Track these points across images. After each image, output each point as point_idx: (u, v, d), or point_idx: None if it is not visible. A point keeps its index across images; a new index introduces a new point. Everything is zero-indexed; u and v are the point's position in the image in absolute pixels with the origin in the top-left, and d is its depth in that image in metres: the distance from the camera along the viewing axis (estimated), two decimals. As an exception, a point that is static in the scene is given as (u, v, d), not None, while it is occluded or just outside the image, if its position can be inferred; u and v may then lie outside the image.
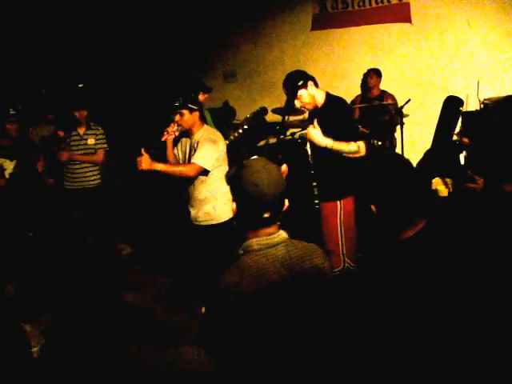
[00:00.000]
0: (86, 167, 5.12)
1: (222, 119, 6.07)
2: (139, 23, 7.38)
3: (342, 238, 3.62)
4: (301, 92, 3.55)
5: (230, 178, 1.82)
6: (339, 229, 3.61)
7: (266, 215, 1.72)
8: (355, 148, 3.47)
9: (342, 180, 3.57)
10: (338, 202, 3.60)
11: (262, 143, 7.00)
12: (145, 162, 3.47)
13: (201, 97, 4.85)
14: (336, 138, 3.46)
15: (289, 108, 3.74)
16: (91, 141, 5.09)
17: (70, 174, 5.12)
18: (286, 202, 1.78)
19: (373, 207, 1.82)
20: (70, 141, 5.00)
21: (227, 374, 1.64)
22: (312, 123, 3.60)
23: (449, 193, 5.35)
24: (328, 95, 3.64)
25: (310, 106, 3.66)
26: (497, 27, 5.99)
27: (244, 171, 1.73)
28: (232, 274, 1.68)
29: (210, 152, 3.69)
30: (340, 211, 3.59)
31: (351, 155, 3.48)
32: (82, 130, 5.07)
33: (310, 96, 3.58)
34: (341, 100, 3.65)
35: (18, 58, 6.51)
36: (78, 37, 6.95)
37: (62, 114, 5.30)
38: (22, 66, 6.51)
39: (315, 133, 3.50)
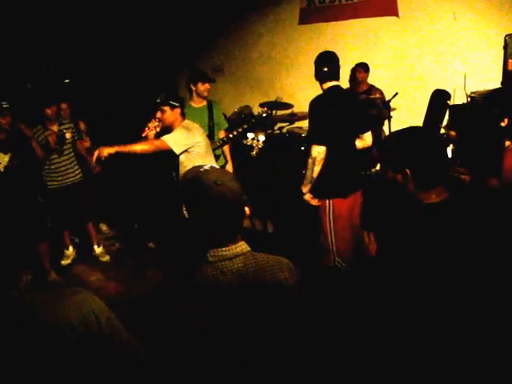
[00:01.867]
0: (69, 163, 5.06)
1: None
2: (126, 16, 7.31)
3: (331, 236, 3.62)
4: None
5: (181, 189, 1.73)
6: (329, 227, 3.62)
7: (221, 231, 1.62)
8: (310, 161, 3.55)
9: (332, 180, 3.58)
10: (327, 201, 3.62)
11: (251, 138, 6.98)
12: (101, 149, 3.57)
13: (201, 86, 4.80)
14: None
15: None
16: (68, 135, 4.99)
17: (52, 173, 5.00)
18: (247, 210, 1.68)
19: (399, 176, 1.85)
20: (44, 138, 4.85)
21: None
22: None
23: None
24: (330, 88, 3.68)
25: None
26: (483, 20, 6.02)
27: (194, 187, 1.63)
28: (185, 286, 1.62)
29: (181, 136, 3.75)
30: (329, 210, 3.61)
31: (314, 167, 3.53)
32: (55, 127, 4.94)
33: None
34: (316, 98, 3.65)
35: (4, 52, 6.44)
36: (65, 31, 6.87)
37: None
38: (8, 60, 6.44)
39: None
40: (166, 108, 3.77)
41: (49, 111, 4.84)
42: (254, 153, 3.84)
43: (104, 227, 6.19)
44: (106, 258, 5.37)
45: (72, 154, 5.10)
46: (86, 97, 6.27)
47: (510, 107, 3.22)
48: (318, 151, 3.49)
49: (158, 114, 3.80)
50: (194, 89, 4.86)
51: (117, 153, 3.60)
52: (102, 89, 6.97)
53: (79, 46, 7.01)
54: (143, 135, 3.92)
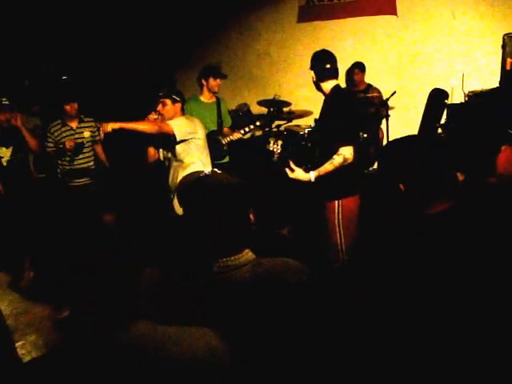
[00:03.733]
0: (81, 163, 4.90)
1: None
2: (124, 13, 7.29)
3: (340, 236, 3.57)
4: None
5: (187, 194, 1.70)
6: (338, 227, 3.56)
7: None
8: (340, 160, 3.35)
9: (341, 180, 3.46)
10: (337, 202, 3.53)
11: (248, 136, 6.98)
12: (104, 125, 3.59)
13: (212, 81, 4.76)
14: (331, 133, 3.41)
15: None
16: (87, 134, 4.87)
17: (62, 171, 4.89)
18: (251, 217, 1.62)
19: (401, 186, 1.81)
20: (60, 134, 4.79)
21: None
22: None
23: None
24: (335, 88, 3.53)
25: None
26: (482, 19, 6.02)
27: (195, 196, 1.60)
28: (187, 298, 1.57)
29: (185, 123, 3.78)
30: (338, 210, 3.53)
31: (340, 167, 3.37)
32: (74, 124, 4.82)
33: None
34: (345, 96, 3.59)
35: (3, 49, 6.42)
36: (62, 28, 6.86)
37: (47, 106, 5.22)
38: (5, 57, 6.42)
39: (296, 174, 3.48)
40: (168, 101, 3.77)
41: (68, 108, 4.73)
42: (276, 158, 3.78)
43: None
44: None
45: (91, 154, 4.98)
46: (85, 94, 6.26)
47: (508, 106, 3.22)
48: (351, 152, 3.37)
49: (159, 107, 3.79)
50: (205, 84, 4.82)
51: (120, 129, 3.63)
52: (100, 86, 6.96)
53: (78, 42, 7.00)
54: None
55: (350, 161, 3.37)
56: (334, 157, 3.35)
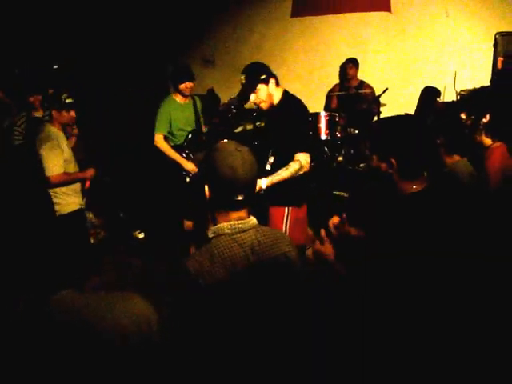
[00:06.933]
0: None
1: (208, 107, 5.97)
2: (119, 5, 7.23)
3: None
4: (260, 87, 3.29)
5: (202, 161, 1.80)
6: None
7: (240, 198, 1.69)
8: (296, 167, 3.20)
9: (293, 186, 3.30)
10: (286, 209, 3.38)
11: (239, 129, 6.97)
12: None
13: (181, 85, 4.56)
14: (285, 142, 3.25)
15: (242, 99, 3.42)
16: None
17: None
18: (259, 182, 1.78)
19: (383, 165, 1.85)
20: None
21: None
22: (268, 120, 3.52)
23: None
24: (286, 94, 3.39)
25: (264, 105, 3.37)
26: (474, 18, 6.05)
27: (217, 154, 1.71)
28: (202, 258, 1.64)
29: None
30: (287, 217, 3.38)
31: (296, 175, 3.21)
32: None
33: (268, 94, 3.32)
34: (298, 101, 3.39)
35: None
36: (55, 16, 6.79)
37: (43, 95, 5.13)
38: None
39: None
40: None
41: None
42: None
43: (90, 215, 6.12)
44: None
45: None
46: (75, 84, 6.20)
47: (492, 105, 3.24)
48: (307, 160, 3.26)
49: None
50: (175, 87, 4.66)
51: None
52: (91, 76, 6.90)
53: (70, 33, 6.93)
54: None
55: (305, 169, 3.24)
56: (290, 164, 3.20)
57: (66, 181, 3.92)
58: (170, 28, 7.75)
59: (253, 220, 1.76)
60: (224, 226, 1.70)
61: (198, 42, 7.85)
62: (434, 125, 3.11)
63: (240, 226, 1.70)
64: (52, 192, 3.93)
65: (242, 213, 1.73)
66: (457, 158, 3.08)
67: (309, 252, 2.12)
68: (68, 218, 3.94)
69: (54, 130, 3.91)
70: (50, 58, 6.85)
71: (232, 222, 1.70)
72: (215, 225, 1.72)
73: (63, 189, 3.95)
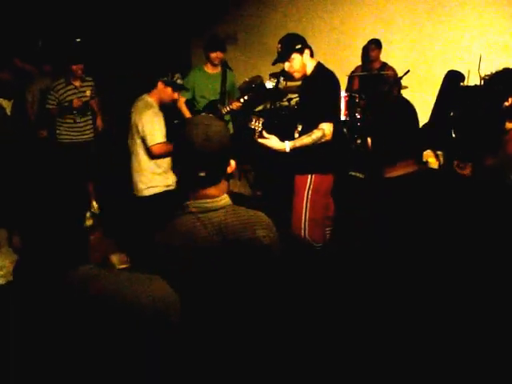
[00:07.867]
0: (84, 120, 5.21)
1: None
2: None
3: (305, 214, 3.51)
4: (294, 56, 3.44)
5: (174, 136, 1.80)
6: (304, 204, 3.52)
7: (202, 174, 1.60)
8: (319, 134, 3.35)
9: (316, 155, 3.44)
10: (309, 176, 3.51)
11: (260, 108, 6.94)
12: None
13: (211, 54, 4.85)
14: (312, 111, 3.42)
15: (279, 60, 3.53)
16: (88, 92, 5.18)
17: (65, 128, 5.14)
18: (232, 162, 1.68)
19: (369, 140, 1.83)
20: (65, 92, 5.04)
21: None
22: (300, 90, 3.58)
23: (439, 165, 5.33)
24: (319, 66, 3.53)
25: (298, 75, 3.54)
26: None
27: (184, 127, 1.67)
28: (162, 234, 1.63)
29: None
30: (309, 185, 3.50)
31: (318, 142, 3.37)
32: (78, 83, 5.11)
33: (302, 64, 3.47)
34: (330, 74, 3.53)
35: (16, 10, 6.41)
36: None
37: (59, 66, 5.27)
38: (20, 17, 6.41)
39: (269, 142, 3.43)
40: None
41: (74, 68, 4.95)
42: (256, 136, 3.75)
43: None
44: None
45: (90, 112, 5.27)
46: (97, 56, 6.26)
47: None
48: (331, 129, 3.38)
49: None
50: (206, 56, 4.94)
51: None
52: (113, 50, 6.94)
53: (93, 6, 6.96)
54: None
55: (327, 138, 3.38)
56: (314, 131, 3.36)
57: (167, 152, 3.58)
58: (193, 5, 7.72)
59: (225, 199, 1.66)
60: (190, 203, 1.64)
61: (220, 18, 7.80)
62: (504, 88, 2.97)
63: (206, 205, 1.62)
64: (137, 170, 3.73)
65: (212, 190, 1.64)
66: None
67: None
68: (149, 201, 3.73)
69: (151, 100, 3.75)
70: (72, 31, 6.91)
71: (198, 201, 1.63)
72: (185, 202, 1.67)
73: (155, 168, 3.73)
